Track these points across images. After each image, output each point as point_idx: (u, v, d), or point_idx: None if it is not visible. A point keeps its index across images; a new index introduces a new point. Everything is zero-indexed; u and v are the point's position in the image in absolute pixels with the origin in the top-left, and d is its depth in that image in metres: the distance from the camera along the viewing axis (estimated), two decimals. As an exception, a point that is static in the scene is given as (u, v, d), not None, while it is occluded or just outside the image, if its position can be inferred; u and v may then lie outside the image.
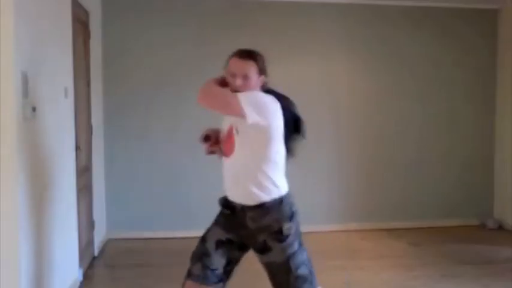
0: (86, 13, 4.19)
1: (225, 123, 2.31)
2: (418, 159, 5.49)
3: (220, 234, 2.28)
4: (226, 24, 5.08)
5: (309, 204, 5.15)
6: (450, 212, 5.56)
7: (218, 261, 2.26)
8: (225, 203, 2.32)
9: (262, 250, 2.21)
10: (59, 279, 3.16)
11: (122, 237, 4.96)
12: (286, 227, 2.18)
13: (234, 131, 2.20)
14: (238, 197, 2.25)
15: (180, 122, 5.05)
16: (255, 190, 2.18)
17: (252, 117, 2.08)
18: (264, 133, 2.14)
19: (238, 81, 2.19)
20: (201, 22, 5.05)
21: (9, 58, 2.35)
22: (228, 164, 2.27)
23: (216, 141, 2.37)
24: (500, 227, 5.45)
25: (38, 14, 2.82)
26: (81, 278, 3.77)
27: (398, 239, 5.01)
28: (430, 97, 5.47)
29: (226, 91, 2.18)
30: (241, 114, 2.08)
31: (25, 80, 2.51)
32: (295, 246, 2.21)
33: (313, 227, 5.08)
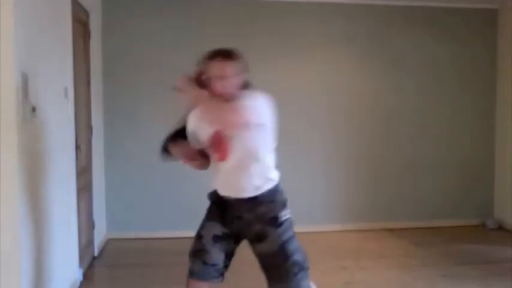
0: (86, 13, 4.19)
1: (204, 133, 2.27)
2: (418, 159, 5.49)
3: (216, 229, 2.29)
4: (227, 24, 5.08)
5: (309, 204, 5.16)
6: (450, 212, 5.56)
7: (217, 256, 2.27)
8: (216, 198, 2.34)
9: (259, 238, 2.23)
10: (59, 279, 3.16)
11: (122, 237, 4.96)
12: (283, 213, 2.24)
13: (226, 138, 2.18)
14: (236, 192, 2.26)
15: (180, 122, 5.04)
16: (257, 183, 2.22)
17: (252, 117, 2.12)
18: (263, 131, 2.20)
19: (222, 84, 2.17)
20: (201, 22, 5.05)
21: (9, 58, 2.34)
22: (227, 164, 2.25)
23: (188, 153, 2.42)
24: (500, 227, 5.45)
25: (38, 14, 2.82)
26: (81, 278, 3.77)
27: (399, 239, 5.01)
28: (430, 97, 5.47)
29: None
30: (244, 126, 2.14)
31: (25, 80, 2.51)
32: (290, 232, 2.25)
33: (313, 227, 5.09)
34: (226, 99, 2.14)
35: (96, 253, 4.44)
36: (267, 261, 2.24)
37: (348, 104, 5.35)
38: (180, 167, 5.11)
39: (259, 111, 2.15)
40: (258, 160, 2.22)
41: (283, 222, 2.23)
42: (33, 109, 2.63)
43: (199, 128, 2.29)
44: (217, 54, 2.23)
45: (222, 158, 2.25)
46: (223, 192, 2.31)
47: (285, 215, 2.25)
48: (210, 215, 2.36)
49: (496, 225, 5.45)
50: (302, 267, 2.22)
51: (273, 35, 5.16)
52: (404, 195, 5.48)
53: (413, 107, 5.45)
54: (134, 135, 5.00)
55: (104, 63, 4.92)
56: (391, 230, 5.30)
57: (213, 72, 2.19)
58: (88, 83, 4.23)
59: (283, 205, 2.27)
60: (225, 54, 2.22)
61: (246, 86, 2.27)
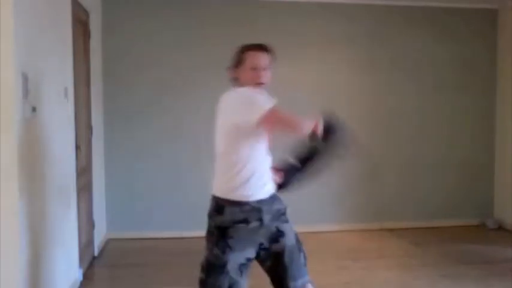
0: (86, 13, 4.19)
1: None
2: (418, 159, 5.49)
3: (239, 258, 2.14)
4: (227, 24, 5.08)
5: (309, 204, 5.16)
6: (450, 212, 5.56)
7: (244, 282, 2.17)
8: (243, 214, 2.13)
9: (277, 238, 2.18)
10: (59, 279, 3.16)
11: (122, 237, 4.96)
12: (285, 206, 2.26)
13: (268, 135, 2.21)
14: (269, 189, 2.21)
15: (181, 122, 5.05)
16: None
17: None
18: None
19: (262, 73, 2.20)
20: (201, 22, 5.05)
21: (9, 58, 2.35)
22: (268, 160, 2.24)
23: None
24: (500, 227, 5.45)
25: (38, 14, 2.82)
26: (81, 278, 3.77)
27: (399, 239, 5.01)
28: (430, 97, 5.47)
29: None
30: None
31: (25, 80, 2.51)
32: None
33: (313, 227, 5.09)
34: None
35: (96, 253, 4.44)
36: (285, 258, 2.18)
37: (348, 104, 5.34)
38: (180, 167, 5.15)
39: None
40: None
41: (286, 216, 2.26)
42: (33, 109, 2.63)
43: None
44: (255, 46, 2.29)
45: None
46: (260, 195, 2.14)
47: (286, 207, 2.27)
48: (227, 244, 2.11)
49: (496, 225, 5.45)
50: (305, 257, 2.26)
51: (273, 35, 5.14)
52: (404, 195, 5.48)
53: (414, 106, 5.45)
54: (134, 135, 5.00)
55: (104, 63, 4.92)
56: (391, 230, 5.30)
57: (253, 63, 2.22)
58: (88, 83, 4.23)
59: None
60: (264, 47, 2.29)
61: None
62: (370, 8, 5.31)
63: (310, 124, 2.11)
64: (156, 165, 5.05)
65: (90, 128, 4.33)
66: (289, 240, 2.20)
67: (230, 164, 2.14)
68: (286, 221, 2.23)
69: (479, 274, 3.94)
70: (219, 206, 2.15)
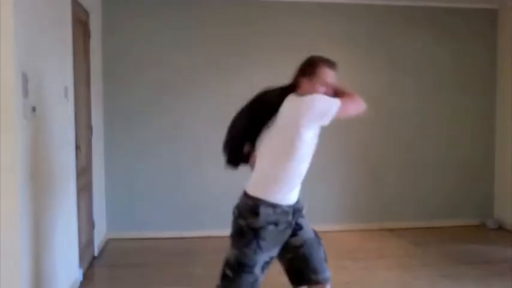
0: (86, 13, 4.19)
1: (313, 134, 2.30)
2: (418, 159, 5.49)
3: (265, 258, 2.21)
4: (227, 24, 5.08)
5: (309, 204, 5.15)
6: (450, 212, 5.56)
7: (262, 277, 2.26)
8: (276, 215, 2.20)
9: (295, 231, 2.28)
10: (59, 279, 3.16)
11: (122, 237, 4.96)
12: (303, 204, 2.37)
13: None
14: (297, 194, 2.32)
15: (181, 122, 5.05)
16: None
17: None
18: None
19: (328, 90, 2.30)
20: (201, 22, 5.05)
21: (9, 58, 2.35)
22: (305, 167, 2.30)
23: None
24: (500, 227, 5.45)
25: (38, 14, 2.82)
26: (81, 278, 3.77)
27: (399, 239, 5.01)
28: (430, 97, 5.47)
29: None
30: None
31: (25, 80, 2.51)
32: None
33: (314, 227, 5.08)
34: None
35: (96, 253, 4.44)
36: (306, 249, 2.27)
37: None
38: (180, 167, 5.15)
39: None
40: None
41: None
42: (33, 109, 2.63)
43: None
44: (330, 63, 2.36)
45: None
46: (291, 200, 2.26)
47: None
48: (259, 245, 2.17)
49: (496, 225, 5.45)
50: (326, 255, 2.35)
51: (273, 35, 5.16)
52: (404, 195, 5.48)
53: (414, 106, 5.45)
54: (134, 135, 5.00)
55: (104, 63, 4.91)
56: (391, 230, 5.30)
57: (326, 79, 2.32)
58: (88, 83, 4.23)
59: None
60: (334, 65, 2.37)
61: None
62: (370, 8, 5.30)
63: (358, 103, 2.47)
64: (156, 165, 5.05)
65: (90, 128, 4.33)
66: (307, 233, 2.31)
67: (276, 166, 2.20)
68: (303, 216, 2.34)
69: (479, 274, 3.94)
70: (254, 205, 2.18)
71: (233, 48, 5.10)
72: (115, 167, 5.00)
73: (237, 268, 2.18)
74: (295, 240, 2.28)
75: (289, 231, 2.26)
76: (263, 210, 2.15)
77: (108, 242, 4.87)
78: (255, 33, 5.13)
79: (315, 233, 2.38)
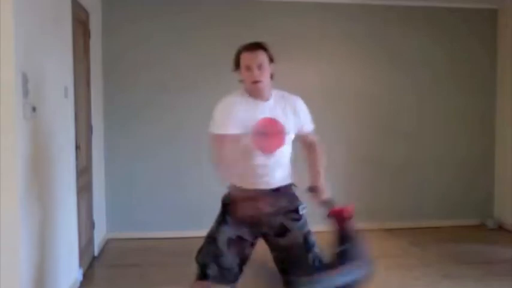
0: (86, 13, 4.19)
1: (265, 118, 2.30)
2: (417, 159, 5.49)
3: (230, 233, 2.29)
4: (227, 24, 5.08)
5: (309, 204, 5.15)
6: (450, 212, 5.55)
7: (232, 260, 2.27)
8: (235, 197, 2.30)
9: (281, 233, 2.29)
10: (59, 279, 3.16)
11: (122, 237, 4.96)
12: (302, 206, 2.36)
13: (286, 131, 2.31)
14: (267, 184, 2.31)
15: (181, 122, 5.05)
16: (284, 176, 2.36)
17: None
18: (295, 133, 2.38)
19: (256, 72, 2.26)
20: (201, 22, 5.05)
21: (9, 58, 2.35)
22: (268, 157, 2.29)
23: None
24: (500, 227, 5.45)
25: (38, 14, 2.82)
26: (81, 278, 3.76)
27: (399, 239, 5.01)
28: (430, 97, 5.47)
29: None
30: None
31: (25, 80, 2.51)
32: (308, 226, 2.36)
33: (313, 227, 5.07)
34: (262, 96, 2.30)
35: (96, 253, 4.44)
36: (291, 253, 2.27)
37: (348, 104, 5.34)
38: (180, 167, 5.15)
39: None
40: (288, 156, 2.39)
41: (302, 215, 2.35)
42: (33, 109, 2.63)
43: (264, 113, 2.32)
44: (246, 47, 2.38)
45: (271, 148, 2.30)
46: (251, 185, 2.30)
47: (303, 208, 2.36)
48: (223, 219, 2.33)
49: (496, 225, 5.45)
50: (321, 261, 2.28)
51: (273, 35, 5.14)
52: (404, 195, 5.48)
53: (413, 107, 5.45)
54: (134, 135, 5.00)
55: (104, 63, 4.91)
56: (390, 230, 5.30)
57: (244, 63, 2.32)
58: (88, 83, 4.23)
59: (299, 199, 2.38)
60: (253, 45, 2.37)
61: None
62: (369, 7, 5.30)
63: (223, 173, 2.30)
64: (156, 165, 5.05)
65: (90, 128, 4.33)
66: (295, 238, 2.29)
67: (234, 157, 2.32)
68: (296, 220, 2.32)
69: (479, 274, 3.94)
70: (229, 187, 2.37)
71: (233, 48, 5.07)
72: (115, 167, 5.00)
73: (205, 239, 2.33)
74: (284, 241, 2.30)
75: (265, 222, 2.27)
76: (226, 195, 2.37)
77: (108, 242, 4.87)
78: (255, 33, 5.08)
79: (306, 239, 2.32)
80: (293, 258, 2.27)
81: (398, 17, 5.37)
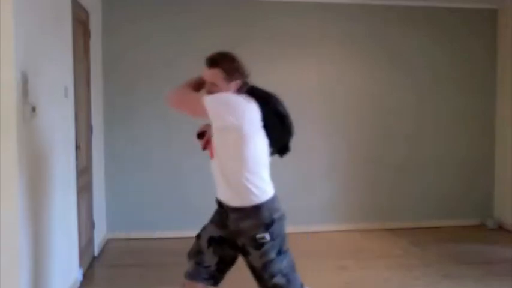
0: (86, 13, 4.19)
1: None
2: (417, 159, 5.49)
3: (213, 232, 2.31)
4: (226, 24, 5.08)
5: (309, 204, 5.16)
6: (450, 212, 5.56)
7: (210, 258, 2.29)
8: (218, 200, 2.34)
9: (243, 253, 2.24)
10: (59, 279, 3.16)
11: (122, 237, 4.96)
12: (260, 236, 2.12)
13: (212, 134, 2.22)
14: (222, 196, 2.27)
15: (181, 122, 5.04)
16: (234, 193, 2.17)
17: (216, 118, 2.11)
18: (236, 134, 2.09)
19: (208, 89, 2.22)
20: (201, 22, 5.05)
21: (9, 58, 2.35)
22: (213, 165, 2.28)
23: (209, 138, 2.36)
24: (500, 227, 5.45)
25: (38, 14, 2.82)
26: (81, 278, 3.77)
27: (399, 239, 5.01)
28: (430, 97, 5.47)
29: (193, 94, 2.22)
30: (207, 116, 2.11)
31: (25, 80, 2.51)
32: (272, 254, 2.15)
33: (313, 226, 5.09)
34: None
35: (96, 253, 4.44)
36: (253, 274, 2.25)
37: (348, 104, 5.34)
38: (180, 167, 5.15)
39: (233, 111, 2.09)
40: (235, 167, 2.13)
41: (262, 245, 2.13)
42: (33, 109, 2.63)
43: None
44: (206, 60, 2.26)
45: (210, 154, 2.30)
46: (217, 193, 2.33)
47: (264, 237, 2.12)
48: (213, 217, 2.38)
49: (496, 225, 5.45)
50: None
51: (273, 35, 5.16)
52: (403, 195, 5.48)
53: (413, 107, 5.45)
54: (134, 135, 5.00)
55: (104, 63, 4.92)
56: (391, 230, 5.30)
57: (203, 77, 2.29)
58: (88, 82, 4.23)
59: (266, 226, 2.12)
60: (210, 61, 2.24)
61: (248, 87, 2.27)
62: (369, 7, 5.30)
63: (200, 105, 2.14)
64: (156, 165, 5.05)
65: (90, 128, 4.33)
66: (255, 263, 2.19)
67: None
68: (257, 248, 2.14)
69: (479, 274, 3.94)
70: None
71: (233, 48, 5.06)
72: (115, 167, 5.00)
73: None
74: (248, 260, 2.23)
75: (228, 231, 2.24)
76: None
77: (108, 242, 4.87)
78: (255, 33, 5.13)
79: (265, 267, 2.16)
80: (256, 277, 2.24)
81: (398, 17, 5.38)
